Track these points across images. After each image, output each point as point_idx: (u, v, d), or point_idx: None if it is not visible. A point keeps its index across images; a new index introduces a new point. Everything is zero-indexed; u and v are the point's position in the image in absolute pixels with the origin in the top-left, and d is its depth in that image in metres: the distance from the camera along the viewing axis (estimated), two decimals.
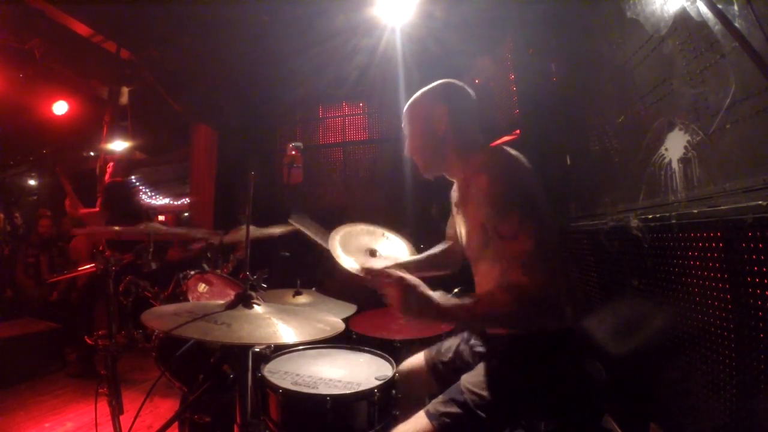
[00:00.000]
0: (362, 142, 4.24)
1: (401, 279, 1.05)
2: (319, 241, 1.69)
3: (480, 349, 1.33)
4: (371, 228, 1.85)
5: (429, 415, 1.13)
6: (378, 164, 4.12)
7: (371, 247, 1.78)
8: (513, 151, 1.20)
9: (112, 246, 2.39)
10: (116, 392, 1.56)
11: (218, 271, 1.88)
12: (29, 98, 3.91)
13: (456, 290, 2.05)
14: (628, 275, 1.54)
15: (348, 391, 1.14)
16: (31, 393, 3.07)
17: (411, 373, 1.42)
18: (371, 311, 2.14)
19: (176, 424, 1.50)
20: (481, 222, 1.16)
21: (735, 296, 1.01)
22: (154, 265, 1.57)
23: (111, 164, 3.96)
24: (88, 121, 4.29)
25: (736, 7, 0.97)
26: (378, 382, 1.18)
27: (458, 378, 1.19)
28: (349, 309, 1.91)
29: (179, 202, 6.37)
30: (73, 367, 3.47)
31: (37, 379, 3.32)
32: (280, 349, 1.42)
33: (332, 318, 1.16)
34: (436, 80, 1.36)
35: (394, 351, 1.73)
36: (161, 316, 1.03)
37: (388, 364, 1.35)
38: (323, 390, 1.15)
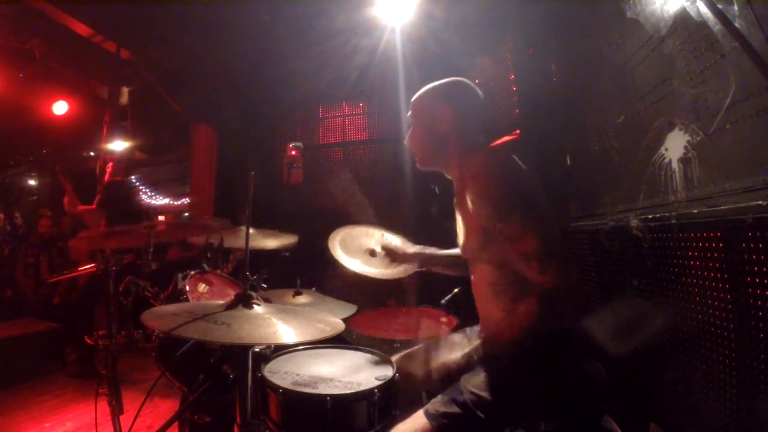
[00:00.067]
0: (362, 142, 4.24)
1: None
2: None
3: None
4: (370, 229, 1.86)
5: (428, 415, 1.13)
6: (378, 164, 4.12)
7: (371, 248, 1.79)
8: (509, 154, 1.20)
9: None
10: (116, 392, 1.56)
11: (218, 271, 1.88)
12: (29, 98, 3.90)
13: (456, 290, 2.05)
14: (628, 275, 1.54)
15: (348, 391, 1.14)
16: (31, 393, 3.07)
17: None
18: (371, 311, 2.14)
19: (176, 424, 1.50)
20: (480, 223, 1.16)
21: (735, 296, 1.01)
22: (154, 265, 1.56)
23: (110, 164, 3.96)
24: (88, 121, 4.29)
25: (736, 7, 0.97)
26: (378, 382, 1.18)
27: (458, 377, 1.19)
28: (349, 309, 1.92)
29: (179, 202, 6.37)
30: (73, 367, 3.47)
31: (37, 379, 3.32)
32: (280, 349, 1.42)
33: (332, 318, 1.16)
34: (436, 80, 1.36)
35: (394, 351, 1.73)
36: (161, 316, 1.03)
37: (388, 364, 1.35)
38: (323, 390, 1.15)
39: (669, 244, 1.25)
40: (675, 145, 1.27)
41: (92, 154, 5.49)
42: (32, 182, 7.16)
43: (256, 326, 0.96)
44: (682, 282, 1.21)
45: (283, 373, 1.26)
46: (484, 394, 1.11)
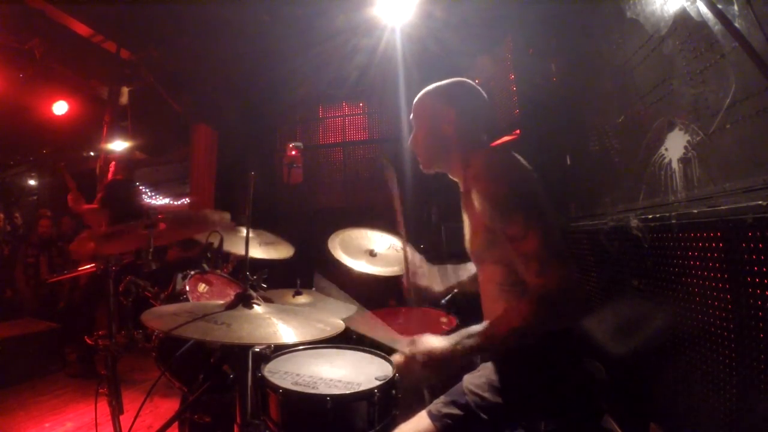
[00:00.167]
0: (362, 142, 4.24)
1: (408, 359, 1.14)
2: (344, 301, 1.73)
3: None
4: (368, 231, 1.86)
5: (431, 415, 1.13)
6: (378, 164, 4.13)
7: (370, 248, 1.80)
8: (512, 153, 1.20)
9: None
10: (116, 392, 1.56)
11: (218, 271, 1.88)
12: (29, 98, 3.91)
13: (456, 290, 2.05)
14: (628, 275, 1.54)
15: (348, 391, 1.14)
16: (31, 393, 3.07)
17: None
18: (371, 311, 2.13)
19: (176, 424, 1.50)
20: (484, 223, 1.16)
21: (735, 296, 1.01)
22: (154, 265, 1.56)
23: (113, 163, 3.96)
24: (88, 121, 4.30)
25: (736, 7, 0.97)
26: (378, 382, 1.18)
27: (461, 376, 1.19)
28: (349, 309, 1.91)
29: (179, 202, 6.37)
30: (73, 367, 3.47)
31: (37, 379, 3.32)
32: (280, 349, 1.42)
33: (332, 318, 1.16)
34: (436, 80, 1.36)
35: (394, 351, 1.73)
36: (161, 316, 1.03)
37: (388, 364, 1.34)
38: (323, 390, 1.15)
39: (669, 244, 1.25)
40: (675, 145, 1.27)
41: (92, 154, 5.50)
42: (32, 182, 7.17)
43: (256, 326, 0.96)
44: (682, 282, 1.21)
45: (283, 373, 1.26)
46: (486, 395, 1.11)
